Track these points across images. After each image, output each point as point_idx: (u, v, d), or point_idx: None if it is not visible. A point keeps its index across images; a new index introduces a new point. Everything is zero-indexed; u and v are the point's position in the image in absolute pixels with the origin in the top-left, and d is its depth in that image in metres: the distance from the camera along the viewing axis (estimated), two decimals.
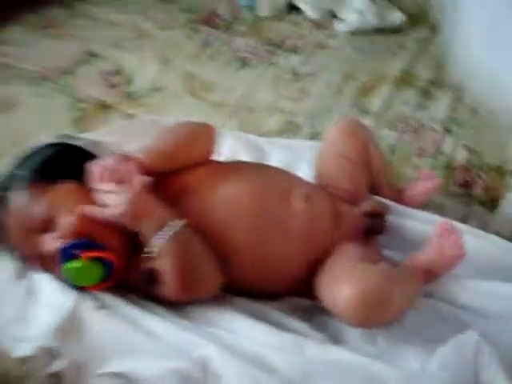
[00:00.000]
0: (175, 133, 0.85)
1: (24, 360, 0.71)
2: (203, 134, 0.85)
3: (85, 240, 0.72)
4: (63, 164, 0.81)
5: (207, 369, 0.70)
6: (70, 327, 0.72)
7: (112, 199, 0.74)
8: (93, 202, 0.75)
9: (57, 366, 0.70)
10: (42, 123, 1.08)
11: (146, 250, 0.72)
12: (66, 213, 0.74)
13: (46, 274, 0.78)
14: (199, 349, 0.71)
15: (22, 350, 0.71)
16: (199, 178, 0.82)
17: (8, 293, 0.77)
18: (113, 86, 1.16)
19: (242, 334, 0.75)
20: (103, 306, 0.74)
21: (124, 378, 0.70)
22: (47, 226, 0.75)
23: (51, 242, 0.73)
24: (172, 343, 0.73)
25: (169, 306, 0.76)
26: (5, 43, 1.31)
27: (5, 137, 1.06)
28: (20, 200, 0.77)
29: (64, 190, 0.77)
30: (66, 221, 0.73)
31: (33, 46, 1.29)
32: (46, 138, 0.93)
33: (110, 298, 0.75)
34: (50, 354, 0.70)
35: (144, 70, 1.20)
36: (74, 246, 0.72)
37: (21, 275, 0.79)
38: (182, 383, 0.69)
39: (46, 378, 0.70)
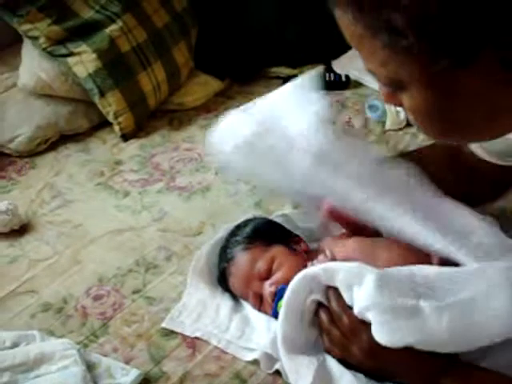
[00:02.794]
0: None
1: (251, 362, 1.03)
2: None
3: None
4: (269, 231, 1.17)
5: None
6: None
7: None
8: (299, 260, 1.09)
9: (276, 366, 1.00)
10: (233, 204, 1.40)
11: None
12: (281, 265, 1.08)
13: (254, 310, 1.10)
14: None
15: (251, 356, 1.03)
16: None
17: (231, 318, 1.11)
18: None
19: None
20: None
21: None
22: (266, 275, 1.08)
23: (271, 287, 1.07)
24: None
25: None
26: (188, 141, 1.69)
27: (206, 213, 1.39)
28: (244, 257, 1.11)
29: (278, 250, 1.11)
30: (281, 270, 1.07)
31: None
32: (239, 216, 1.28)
33: None
34: (271, 358, 1.01)
35: None
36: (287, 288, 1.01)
37: (237, 307, 1.13)
38: None
39: (270, 375, 1.01)
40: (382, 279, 0.88)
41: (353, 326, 0.91)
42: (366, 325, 0.88)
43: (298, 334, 0.98)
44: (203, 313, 1.12)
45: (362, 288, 0.89)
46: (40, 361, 1.01)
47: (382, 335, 0.85)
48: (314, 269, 0.96)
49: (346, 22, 0.65)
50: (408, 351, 0.85)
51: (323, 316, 0.96)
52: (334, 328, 0.94)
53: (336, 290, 0.94)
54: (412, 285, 0.88)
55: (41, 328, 1.12)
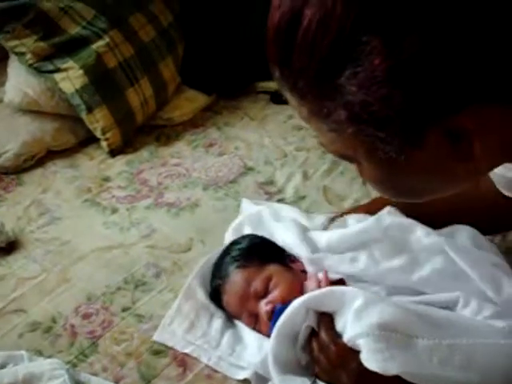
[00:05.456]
0: None
1: (243, 381, 1.02)
2: None
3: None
4: (265, 249, 1.17)
5: None
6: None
7: None
8: (296, 279, 1.09)
9: None
10: (222, 220, 1.38)
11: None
12: (278, 284, 1.08)
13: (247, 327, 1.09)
14: None
15: (242, 374, 1.03)
16: None
17: (223, 334, 1.10)
18: (267, 193, 1.52)
19: None
20: None
21: None
22: (263, 294, 1.08)
23: (267, 306, 1.06)
24: None
25: None
26: (176, 156, 1.70)
27: (194, 230, 1.39)
28: (239, 275, 1.10)
29: (274, 268, 1.11)
30: (278, 289, 1.07)
31: (198, 160, 1.68)
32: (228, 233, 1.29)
33: None
34: (262, 377, 1.01)
35: (290, 182, 1.55)
36: (286, 307, 1.00)
37: (230, 322, 1.12)
38: None
39: None
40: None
41: (341, 354, 0.92)
42: (355, 353, 0.89)
43: (290, 356, 0.98)
44: (196, 322, 1.11)
45: (351, 313, 0.90)
46: (29, 381, 1.00)
47: (373, 363, 0.86)
48: (314, 294, 0.97)
49: (292, 102, 0.63)
50: (397, 381, 0.85)
51: (314, 344, 0.97)
52: (322, 356, 0.94)
53: (329, 316, 0.95)
54: (410, 317, 0.89)
55: (29, 348, 1.11)
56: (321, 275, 1.05)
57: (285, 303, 1.01)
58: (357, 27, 0.53)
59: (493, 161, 0.65)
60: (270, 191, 1.51)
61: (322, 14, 0.55)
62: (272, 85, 2.04)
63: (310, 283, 1.06)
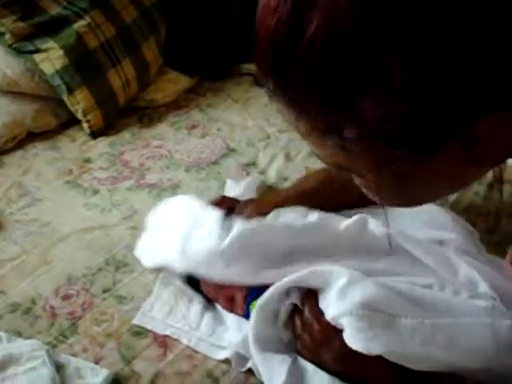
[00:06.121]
0: None
1: (223, 361, 1.01)
2: None
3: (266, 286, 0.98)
4: None
5: None
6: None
7: None
8: None
9: (248, 364, 0.99)
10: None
11: None
12: None
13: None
14: None
15: (222, 354, 1.02)
16: None
17: (203, 316, 1.10)
18: (250, 174, 1.51)
19: None
20: None
21: None
22: None
23: (243, 289, 1.04)
24: None
25: None
26: (158, 138, 1.69)
27: None
28: None
29: None
30: None
31: (181, 141, 1.67)
32: None
33: None
34: (243, 356, 1.00)
35: (273, 164, 1.54)
36: (259, 290, 1.00)
37: (209, 305, 1.11)
38: None
39: (242, 374, 1.00)
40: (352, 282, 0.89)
41: (324, 332, 0.91)
42: (338, 331, 0.88)
43: (271, 334, 0.98)
44: (175, 308, 1.10)
45: (335, 292, 0.90)
46: (7, 362, 0.99)
47: (356, 342, 0.85)
48: (298, 273, 0.96)
49: (288, 116, 0.58)
50: (380, 360, 0.85)
51: (297, 321, 0.96)
52: (305, 334, 0.94)
53: (313, 293, 0.95)
54: (394, 296, 0.89)
55: (8, 329, 1.09)
56: None
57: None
58: (371, 41, 0.49)
59: (498, 161, 0.63)
60: (252, 172, 1.50)
61: (331, 22, 0.49)
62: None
63: None
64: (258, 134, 1.67)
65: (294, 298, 0.96)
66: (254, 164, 1.54)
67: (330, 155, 0.60)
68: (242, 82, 1.96)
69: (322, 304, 0.94)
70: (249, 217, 1.07)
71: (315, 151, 0.62)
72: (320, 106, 0.53)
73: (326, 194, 1.12)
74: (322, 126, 0.55)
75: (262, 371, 0.95)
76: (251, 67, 2.01)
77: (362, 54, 0.49)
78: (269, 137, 1.65)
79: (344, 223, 1.03)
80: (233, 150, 1.60)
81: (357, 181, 0.66)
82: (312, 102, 0.53)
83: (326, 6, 0.49)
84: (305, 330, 0.94)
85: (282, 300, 0.97)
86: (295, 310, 0.97)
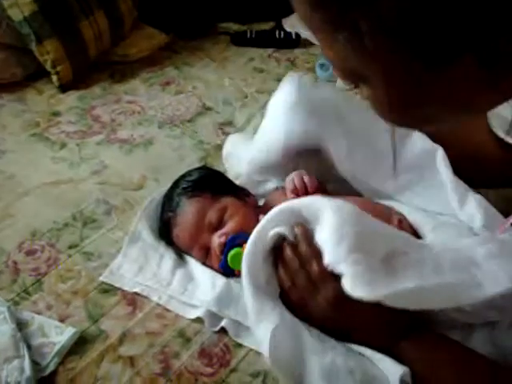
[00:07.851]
0: None
1: (195, 320, 0.96)
2: None
3: (245, 234, 0.93)
4: (219, 181, 1.11)
5: None
6: (226, 297, 0.96)
7: None
8: (251, 212, 1.04)
9: (221, 324, 0.94)
10: (177, 158, 1.34)
11: None
12: (233, 216, 1.03)
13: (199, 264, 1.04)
14: None
15: (194, 313, 0.97)
16: None
17: (174, 273, 1.04)
18: (226, 133, 1.45)
19: None
20: None
21: None
22: (217, 226, 1.04)
23: (221, 237, 1.02)
24: None
25: None
26: (130, 93, 1.63)
27: (148, 167, 1.32)
28: (192, 206, 1.05)
29: (229, 200, 1.06)
30: (233, 221, 1.02)
31: (154, 98, 1.61)
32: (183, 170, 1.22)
33: None
34: (215, 315, 0.95)
35: (250, 123, 1.48)
36: (238, 237, 0.97)
37: (180, 264, 1.07)
38: None
39: (215, 333, 0.95)
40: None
41: (322, 273, 0.84)
42: (335, 274, 0.81)
43: (261, 269, 0.90)
44: (145, 265, 1.05)
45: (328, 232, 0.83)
46: None
47: (357, 288, 0.77)
48: (293, 202, 0.90)
49: (301, 11, 0.56)
50: (375, 307, 0.79)
51: (289, 257, 0.89)
52: (301, 273, 0.87)
53: (306, 228, 0.88)
54: (388, 239, 0.85)
55: None
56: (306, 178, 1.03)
57: (239, 235, 0.96)
58: None
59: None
60: (228, 132, 1.44)
61: None
62: (233, 26, 1.97)
63: (288, 184, 1.03)
64: (235, 94, 1.61)
65: (285, 230, 0.88)
66: (230, 123, 1.49)
67: (341, 57, 0.58)
68: (220, 42, 1.91)
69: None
70: None
71: (326, 53, 0.59)
72: None
73: None
74: (336, 20, 0.54)
75: (252, 311, 0.87)
76: (229, 26, 1.95)
77: None
78: (246, 96, 1.59)
79: None
80: (209, 109, 1.55)
81: (364, 93, 0.62)
82: None
83: None
84: (301, 267, 0.87)
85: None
86: (286, 244, 0.89)
